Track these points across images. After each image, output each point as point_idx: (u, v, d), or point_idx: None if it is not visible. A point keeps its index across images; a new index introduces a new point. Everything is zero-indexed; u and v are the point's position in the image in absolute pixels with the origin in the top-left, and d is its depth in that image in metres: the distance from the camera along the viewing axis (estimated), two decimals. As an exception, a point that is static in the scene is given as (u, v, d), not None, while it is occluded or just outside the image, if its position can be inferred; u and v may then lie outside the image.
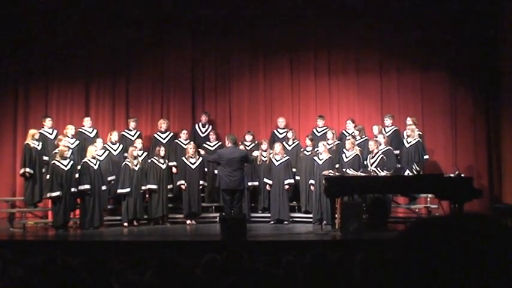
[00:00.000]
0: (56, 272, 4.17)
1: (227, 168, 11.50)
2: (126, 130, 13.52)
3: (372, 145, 12.09)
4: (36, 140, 12.49)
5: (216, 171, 12.54)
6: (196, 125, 13.88)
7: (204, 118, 13.83)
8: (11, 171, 13.62)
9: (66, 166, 11.70)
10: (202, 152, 13.04)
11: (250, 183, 12.69)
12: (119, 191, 12.34)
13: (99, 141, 12.56)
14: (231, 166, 11.49)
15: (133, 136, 13.31)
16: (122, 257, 6.14)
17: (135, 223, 12.38)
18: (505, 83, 13.26)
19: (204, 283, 4.56)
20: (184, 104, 14.47)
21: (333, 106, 14.24)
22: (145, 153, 12.97)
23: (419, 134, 12.71)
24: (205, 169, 13.05)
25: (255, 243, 9.97)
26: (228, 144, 11.96)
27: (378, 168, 11.80)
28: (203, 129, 13.80)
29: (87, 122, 13.27)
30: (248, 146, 13.25)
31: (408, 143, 12.57)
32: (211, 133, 13.55)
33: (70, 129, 12.84)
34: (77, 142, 12.80)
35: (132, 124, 13.49)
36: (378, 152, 11.98)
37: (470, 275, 1.03)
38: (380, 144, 12.19)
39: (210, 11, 14.26)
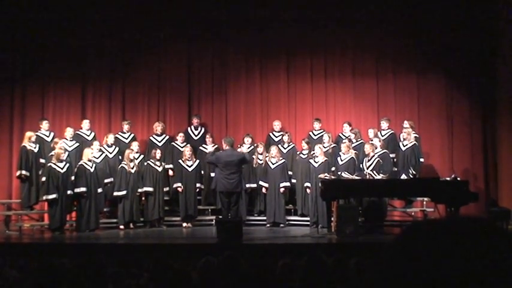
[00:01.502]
0: (51, 274, 4.16)
1: (224, 171, 11.46)
2: (120, 133, 13.50)
3: (367, 148, 12.09)
4: (33, 142, 12.48)
5: (212, 174, 12.55)
6: (189, 128, 13.87)
7: (195, 121, 13.83)
8: (7, 174, 13.60)
9: (62, 169, 11.68)
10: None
11: (248, 185, 12.68)
12: (115, 193, 12.31)
13: (95, 144, 12.55)
14: (229, 169, 11.44)
15: (126, 139, 13.31)
16: (117, 260, 6.14)
17: (131, 226, 12.36)
18: (501, 86, 13.29)
19: (200, 286, 4.56)
20: (181, 107, 14.47)
21: (329, 109, 14.25)
22: (142, 156, 12.96)
23: (415, 137, 12.74)
24: (202, 172, 13.04)
25: (251, 246, 9.96)
26: (225, 147, 11.93)
27: (374, 172, 11.80)
28: (196, 132, 13.80)
29: (85, 124, 13.26)
30: (247, 149, 13.24)
31: (404, 146, 12.59)
32: (207, 136, 13.54)
33: (69, 132, 12.83)
34: (77, 144, 12.80)
35: (125, 127, 13.48)
36: (374, 156, 11.99)
37: (466, 279, 1.04)
38: (376, 148, 12.20)
39: (206, 14, 14.28)
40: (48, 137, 12.93)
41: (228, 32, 14.42)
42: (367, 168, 11.91)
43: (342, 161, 12.23)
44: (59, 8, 14.07)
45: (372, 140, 12.53)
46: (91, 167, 11.92)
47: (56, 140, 12.54)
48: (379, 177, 11.72)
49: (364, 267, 4.78)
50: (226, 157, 11.55)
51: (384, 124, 13.20)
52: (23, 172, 12.29)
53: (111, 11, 14.23)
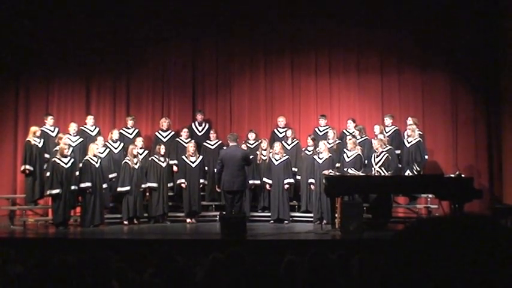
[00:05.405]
0: (55, 269, 4.17)
1: (229, 169, 11.30)
2: (124, 128, 13.52)
3: (375, 144, 12.04)
4: (38, 137, 12.52)
5: (215, 169, 12.56)
6: (193, 124, 13.87)
7: (199, 117, 13.83)
8: (11, 169, 13.64)
9: (66, 164, 11.71)
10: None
11: (251, 182, 12.67)
12: (119, 189, 12.34)
13: (100, 139, 12.57)
14: (233, 167, 11.25)
15: (131, 134, 13.33)
16: (121, 255, 6.14)
17: (135, 221, 12.38)
18: (506, 83, 13.26)
19: (203, 282, 4.57)
20: (185, 103, 14.48)
21: (334, 106, 14.24)
22: (146, 152, 12.96)
23: (419, 134, 12.71)
24: (206, 168, 13.05)
25: (254, 242, 9.97)
26: (230, 144, 11.84)
27: (383, 168, 11.75)
28: (200, 128, 13.80)
29: (89, 120, 13.30)
30: (251, 145, 13.25)
31: (409, 143, 12.56)
32: (211, 131, 13.55)
33: (72, 127, 12.85)
34: (80, 140, 12.82)
35: (129, 122, 13.50)
36: (382, 151, 11.92)
37: (468, 275, 1.04)
38: (385, 144, 12.14)
39: (211, 10, 14.27)
40: (52, 132, 12.97)
41: (232, 28, 14.41)
42: (376, 165, 11.87)
43: (348, 157, 12.20)
44: (64, 3, 14.09)
45: (376, 137, 12.50)
46: (96, 163, 11.94)
47: (60, 135, 12.56)
48: (388, 174, 11.70)
49: (367, 263, 4.78)
50: (230, 154, 11.42)
51: (388, 120, 13.18)
52: (27, 167, 12.33)
53: (116, 6, 14.24)
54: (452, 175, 11.32)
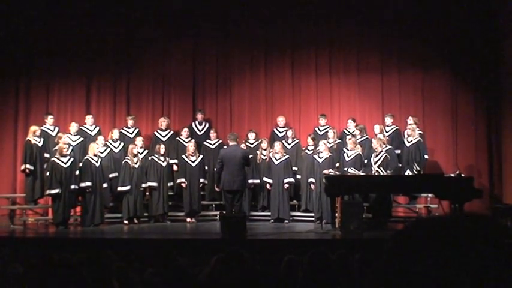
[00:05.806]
0: (55, 269, 4.17)
1: (229, 168, 11.30)
2: (124, 128, 13.52)
3: (374, 143, 12.04)
4: (37, 136, 12.51)
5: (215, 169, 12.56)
6: (193, 124, 13.88)
7: (200, 116, 13.84)
8: (11, 168, 13.64)
9: (65, 163, 11.70)
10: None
11: (251, 181, 12.67)
12: (119, 188, 12.34)
13: (100, 139, 12.57)
14: (233, 166, 11.26)
15: (131, 134, 13.33)
16: (122, 255, 6.14)
17: (135, 221, 12.38)
18: (506, 82, 13.26)
19: (205, 282, 4.57)
20: (185, 102, 14.48)
21: (334, 105, 14.24)
22: (146, 151, 12.96)
23: (420, 133, 12.70)
24: (206, 167, 13.05)
25: (255, 242, 9.97)
26: (230, 143, 11.85)
27: (381, 168, 11.74)
28: (200, 127, 13.81)
29: (89, 119, 13.30)
30: (252, 145, 13.25)
31: (409, 143, 12.56)
32: (211, 131, 13.55)
33: (73, 127, 12.85)
34: (80, 139, 12.82)
35: (130, 122, 13.50)
36: (381, 151, 11.91)
37: (468, 275, 1.04)
38: (384, 143, 12.14)
39: (211, 9, 14.28)
40: (52, 131, 12.96)
41: (233, 27, 14.42)
42: (374, 164, 11.87)
43: (348, 157, 12.20)
44: (64, 3, 14.09)
45: (376, 136, 12.49)
46: (96, 162, 11.95)
47: (59, 134, 12.56)
48: (386, 173, 11.69)
49: (367, 263, 4.78)
50: (230, 154, 11.42)
51: (388, 120, 13.18)
52: (27, 166, 12.32)
53: (116, 6, 14.24)
54: (453, 175, 11.31)
